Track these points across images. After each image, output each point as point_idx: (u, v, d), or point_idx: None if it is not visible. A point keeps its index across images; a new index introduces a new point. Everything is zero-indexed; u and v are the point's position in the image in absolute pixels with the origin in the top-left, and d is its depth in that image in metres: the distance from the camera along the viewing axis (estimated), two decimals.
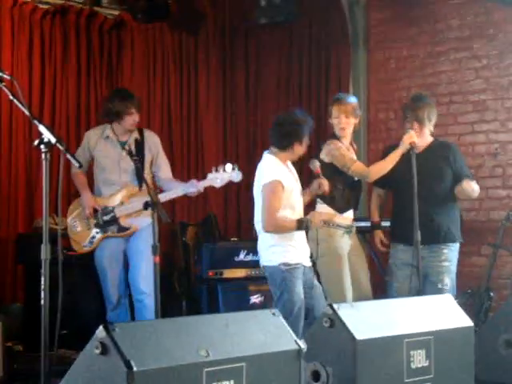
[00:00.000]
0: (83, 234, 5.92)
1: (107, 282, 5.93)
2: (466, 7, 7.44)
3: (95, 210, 5.88)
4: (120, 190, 5.89)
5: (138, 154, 5.75)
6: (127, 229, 5.86)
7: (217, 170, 5.56)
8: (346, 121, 5.54)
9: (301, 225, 4.97)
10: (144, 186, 5.71)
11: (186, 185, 5.78)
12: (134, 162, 5.49)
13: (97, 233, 5.87)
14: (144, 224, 5.70)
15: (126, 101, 5.92)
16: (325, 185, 5.24)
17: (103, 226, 5.87)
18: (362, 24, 8.09)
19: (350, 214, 5.60)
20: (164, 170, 6.05)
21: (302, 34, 8.40)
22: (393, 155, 5.50)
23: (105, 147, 5.96)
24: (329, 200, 5.45)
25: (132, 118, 5.89)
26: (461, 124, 7.43)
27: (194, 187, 5.68)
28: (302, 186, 5.28)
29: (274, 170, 5.03)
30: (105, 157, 5.95)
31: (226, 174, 5.55)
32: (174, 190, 5.79)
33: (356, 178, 5.62)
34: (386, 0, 7.78)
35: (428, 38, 7.70)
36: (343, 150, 5.53)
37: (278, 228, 4.97)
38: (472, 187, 5.56)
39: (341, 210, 5.53)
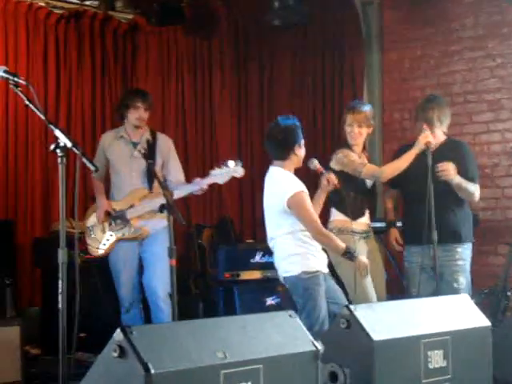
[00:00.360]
0: (98, 237, 5.94)
1: (120, 286, 5.94)
2: (480, 6, 7.42)
3: (108, 214, 5.90)
4: (131, 193, 5.90)
5: (148, 155, 5.77)
6: (139, 231, 5.87)
7: (219, 167, 5.56)
8: (358, 130, 5.55)
9: (347, 254, 4.95)
10: (155, 188, 5.73)
11: (190, 185, 5.78)
12: (147, 163, 5.50)
13: (110, 236, 5.89)
14: (158, 227, 5.71)
15: (134, 95, 6.02)
16: (333, 178, 5.22)
17: (116, 229, 5.89)
18: (376, 24, 8.08)
19: (365, 220, 5.61)
20: (174, 174, 6.01)
21: (316, 35, 8.40)
22: (407, 155, 5.48)
23: (118, 147, 5.99)
24: (342, 207, 5.45)
25: (138, 113, 5.90)
26: (476, 123, 7.41)
27: (198, 185, 5.68)
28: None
29: (292, 182, 5.03)
30: (118, 156, 5.98)
31: (228, 170, 5.55)
32: (178, 191, 5.78)
33: (369, 184, 5.61)
34: (400, 0, 7.77)
35: (442, 38, 7.68)
36: (352, 156, 5.53)
37: (326, 237, 4.96)
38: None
39: (355, 216, 5.53)
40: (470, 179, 5.58)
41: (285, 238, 5.01)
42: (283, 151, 5.07)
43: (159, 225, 5.67)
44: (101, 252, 5.93)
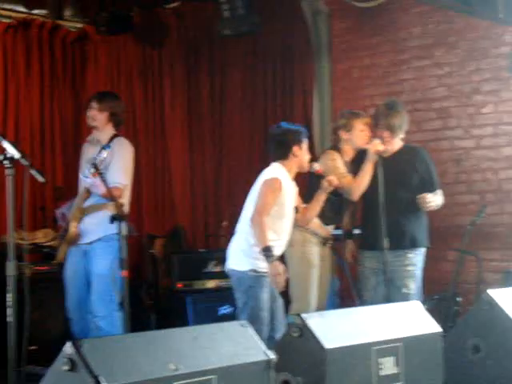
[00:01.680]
0: None
1: (67, 297, 5.76)
2: (427, 15, 7.50)
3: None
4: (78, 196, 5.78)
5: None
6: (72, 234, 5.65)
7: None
8: (369, 134, 5.61)
9: (266, 251, 4.86)
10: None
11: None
12: (99, 175, 5.40)
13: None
14: (92, 239, 5.58)
15: (92, 96, 5.94)
16: (333, 180, 5.23)
17: (63, 235, 5.74)
18: (325, 34, 8.12)
19: (331, 228, 5.65)
20: (110, 174, 5.57)
21: (266, 44, 8.42)
22: (366, 168, 5.48)
23: (86, 150, 5.88)
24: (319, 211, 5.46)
25: (89, 112, 5.80)
26: (425, 131, 7.48)
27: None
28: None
29: (278, 172, 5.08)
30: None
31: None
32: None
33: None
34: (349, 9, 7.81)
35: (390, 47, 7.75)
36: (338, 162, 5.54)
37: (260, 227, 4.89)
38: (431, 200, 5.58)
39: (327, 222, 5.56)
40: (436, 186, 5.69)
41: (246, 231, 5.00)
42: (281, 151, 5.14)
43: (93, 237, 5.56)
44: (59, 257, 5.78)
